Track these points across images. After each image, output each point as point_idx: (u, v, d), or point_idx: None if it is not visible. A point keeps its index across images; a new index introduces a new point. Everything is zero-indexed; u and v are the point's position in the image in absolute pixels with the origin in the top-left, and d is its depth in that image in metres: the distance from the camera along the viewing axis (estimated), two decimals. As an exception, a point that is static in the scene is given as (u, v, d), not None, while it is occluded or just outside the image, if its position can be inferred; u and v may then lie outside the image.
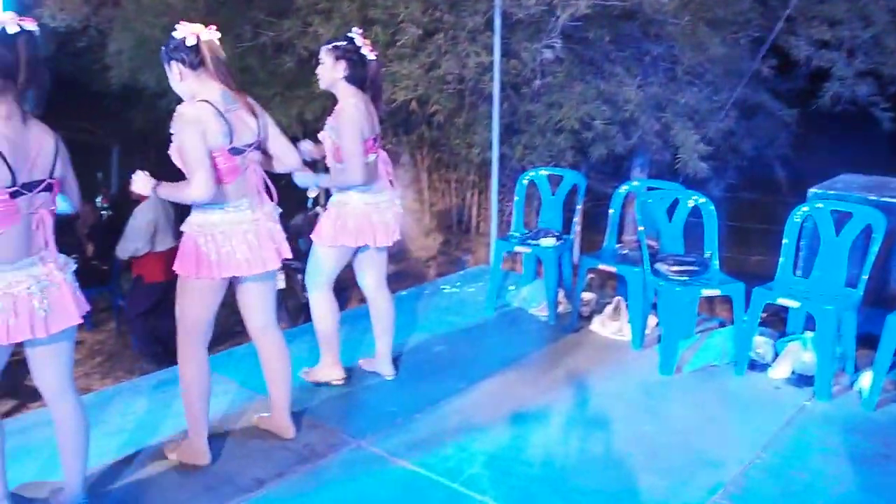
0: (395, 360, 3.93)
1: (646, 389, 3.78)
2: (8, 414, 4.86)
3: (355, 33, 3.41)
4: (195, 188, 2.71)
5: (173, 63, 2.77)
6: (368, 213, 3.49)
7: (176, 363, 3.06)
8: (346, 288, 6.65)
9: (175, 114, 2.72)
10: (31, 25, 2.30)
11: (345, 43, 3.38)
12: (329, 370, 3.69)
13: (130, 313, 6.31)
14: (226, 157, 2.78)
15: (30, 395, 4.68)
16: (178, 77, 2.79)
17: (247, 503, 2.83)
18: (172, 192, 2.83)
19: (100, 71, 8.21)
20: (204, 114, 2.72)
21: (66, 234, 6.20)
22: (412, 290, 5.36)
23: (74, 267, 2.56)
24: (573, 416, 3.52)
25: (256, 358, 3.62)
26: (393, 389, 3.74)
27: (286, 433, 3.24)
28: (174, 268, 2.92)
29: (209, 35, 2.77)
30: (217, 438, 3.20)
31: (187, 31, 2.74)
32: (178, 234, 6.70)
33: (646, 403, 3.64)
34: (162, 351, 6.15)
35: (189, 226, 2.88)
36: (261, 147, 2.95)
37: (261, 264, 2.91)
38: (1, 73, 2.26)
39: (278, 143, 3.03)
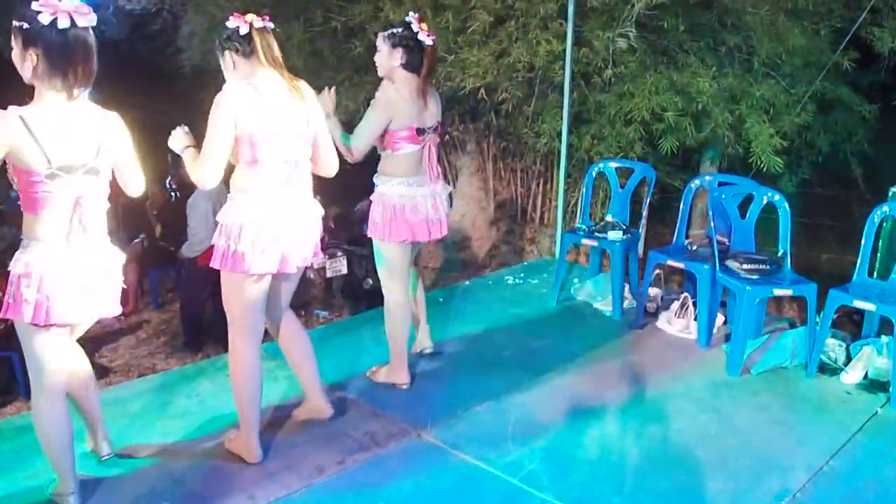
0: (454, 349, 3.94)
1: (712, 389, 3.69)
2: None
3: (412, 18, 3.36)
4: (202, 173, 2.68)
5: (227, 53, 2.78)
6: (403, 208, 3.41)
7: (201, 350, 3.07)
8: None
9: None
10: (82, 19, 2.34)
11: (401, 29, 3.34)
12: (396, 373, 3.64)
13: (184, 298, 6.46)
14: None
15: (98, 372, 4.83)
16: (232, 66, 2.79)
17: (308, 490, 2.85)
18: (190, 163, 2.78)
19: (172, 53, 8.39)
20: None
21: (136, 215, 6.38)
22: (475, 279, 5.35)
23: (124, 257, 2.62)
24: (637, 414, 3.46)
25: (318, 344, 3.67)
26: (455, 380, 3.73)
27: (324, 413, 3.24)
28: (211, 263, 2.86)
29: (261, 24, 2.76)
30: (279, 424, 3.25)
31: (240, 21, 2.74)
32: None
33: (712, 404, 3.56)
34: (207, 339, 6.31)
35: (222, 215, 2.82)
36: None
37: (287, 263, 2.85)
38: (50, 61, 2.31)
39: (322, 141, 2.98)
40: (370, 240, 3.56)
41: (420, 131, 3.39)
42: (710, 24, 5.53)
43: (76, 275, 2.44)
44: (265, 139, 2.72)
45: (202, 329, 6.32)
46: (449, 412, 3.41)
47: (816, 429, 3.37)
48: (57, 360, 2.57)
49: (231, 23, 2.76)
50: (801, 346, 3.91)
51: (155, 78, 9.47)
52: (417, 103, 3.36)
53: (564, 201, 5.44)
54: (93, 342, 2.73)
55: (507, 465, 3.02)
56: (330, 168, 3.03)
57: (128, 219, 6.93)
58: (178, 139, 2.86)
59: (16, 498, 2.77)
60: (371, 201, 3.51)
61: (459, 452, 3.11)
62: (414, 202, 3.42)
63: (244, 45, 2.74)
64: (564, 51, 5.30)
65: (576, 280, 5.08)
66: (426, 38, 3.34)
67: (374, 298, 5.40)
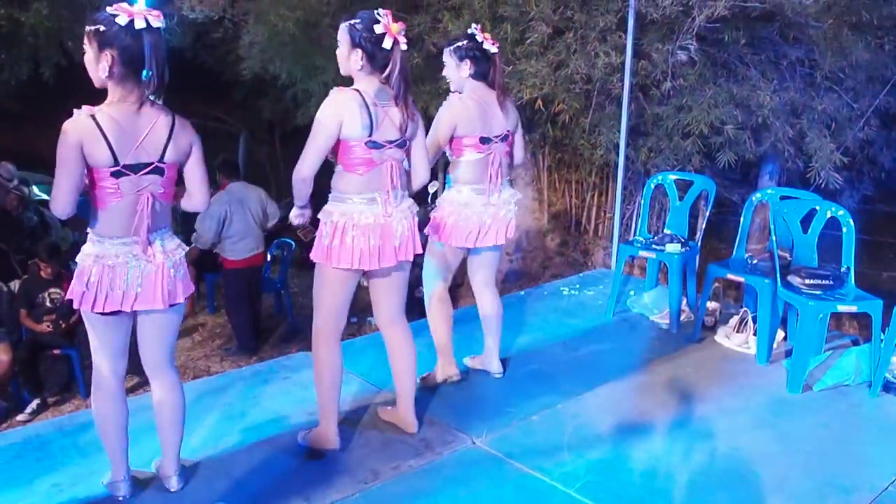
0: (509, 359, 3.91)
1: (772, 407, 3.62)
2: (132, 390, 5.16)
3: (475, 29, 3.40)
4: (299, 167, 2.81)
5: (358, 49, 2.80)
6: (474, 214, 3.45)
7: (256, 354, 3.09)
8: (459, 285, 6.70)
9: (327, 96, 2.81)
10: (156, 21, 2.41)
11: (465, 42, 3.38)
12: (446, 369, 3.69)
13: (226, 301, 6.60)
14: (362, 148, 2.83)
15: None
16: (358, 66, 2.82)
17: (363, 494, 2.86)
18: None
19: (233, 62, 8.57)
20: (348, 102, 2.78)
21: (192, 219, 6.54)
22: (531, 290, 5.34)
23: (183, 253, 2.66)
24: (695, 429, 3.41)
25: (376, 350, 3.70)
26: (510, 390, 3.72)
27: (409, 427, 3.26)
28: (311, 255, 2.98)
29: (404, 46, 2.81)
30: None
31: (388, 32, 2.76)
32: (268, 236, 6.86)
33: (772, 421, 3.49)
34: (255, 339, 6.41)
35: (322, 213, 2.94)
36: (404, 145, 2.96)
37: (382, 259, 2.92)
38: (125, 63, 2.39)
39: (416, 153, 3.05)
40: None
41: (484, 140, 3.40)
42: (771, 38, 5.47)
43: (129, 268, 2.50)
44: (361, 146, 2.85)
45: (251, 331, 6.46)
46: (504, 421, 3.40)
47: (880, 449, 3.29)
48: (117, 349, 2.64)
49: (378, 27, 2.75)
50: (864, 364, 3.81)
51: (214, 86, 9.68)
52: (485, 112, 3.39)
53: (621, 213, 5.40)
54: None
55: (563, 475, 3.00)
56: (420, 177, 3.12)
57: (185, 223, 7.10)
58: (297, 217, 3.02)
59: (76, 492, 2.84)
60: (427, 210, 3.54)
61: (515, 461, 3.10)
62: (477, 209, 3.45)
63: (379, 54, 2.79)
64: (623, 63, 5.28)
65: (632, 292, 5.04)
66: (491, 47, 3.38)
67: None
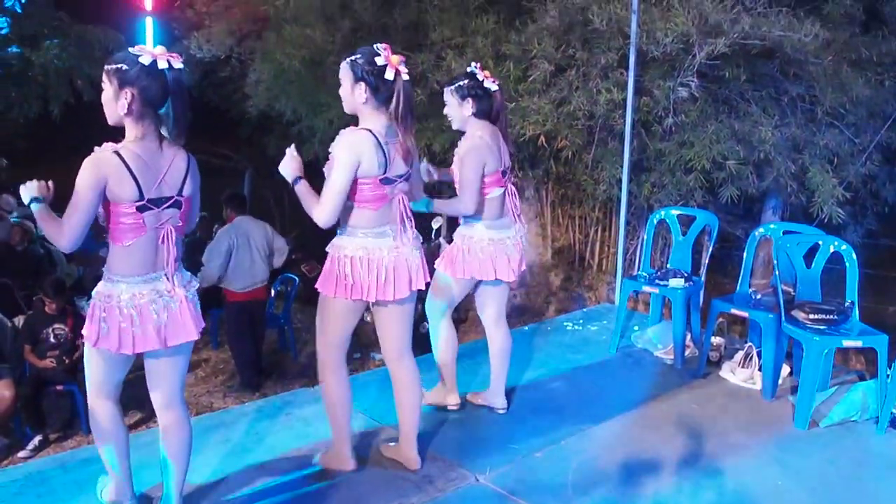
0: (512, 394, 3.89)
1: (778, 442, 3.59)
2: (134, 427, 5.14)
3: (474, 67, 3.44)
4: (320, 212, 2.81)
5: (361, 83, 2.83)
6: (493, 248, 3.51)
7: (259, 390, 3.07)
8: (463, 320, 6.69)
9: (339, 136, 2.82)
10: (177, 63, 2.47)
11: (466, 81, 3.43)
12: (446, 395, 3.73)
13: (228, 336, 6.59)
14: (376, 185, 2.86)
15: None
16: (363, 99, 2.85)
17: (366, 529, 2.85)
18: (306, 197, 2.87)
19: (239, 99, 8.68)
20: (364, 142, 2.81)
21: (197, 252, 6.57)
22: (534, 325, 5.33)
23: (196, 286, 2.70)
24: (701, 466, 3.37)
25: (379, 386, 3.69)
26: (513, 425, 3.70)
27: (411, 464, 3.24)
28: (317, 286, 3.00)
29: (406, 77, 2.84)
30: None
31: (389, 63, 2.79)
32: (272, 272, 6.83)
33: (778, 457, 3.45)
34: (258, 374, 6.38)
35: (332, 247, 2.97)
36: (409, 178, 3.01)
37: (393, 291, 2.95)
38: (145, 101, 2.44)
39: (415, 177, 3.12)
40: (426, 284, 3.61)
41: (504, 174, 3.49)
42: (771, 74, 5.53)
43: (155, 304, 2.53)
44: (376, 183, 2.89)
45: (253, 366, 6.45)
46: (507, 457, 3.37)
47: (888, 485, 3.26)
48: (117, 382, 2.69)
49: (380, 59, 2.78)
50: (871, 400, 3.79)
51: (221, 123, 9.78)
52: (495, 147, 3.44)
53: (624, 248, 5.41)
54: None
55: (567, 513, 2.97)
56: (418, 195, 3.22)
57: (189, 255, 7.12)
58: (291, 165, 2.92)
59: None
60: (431, 246, 3.56)
61: (519, 498, 3.06)
62: (504, 243, 3.52)
63: (382, 87, 2.81)
64: (625, 100, 5.33)
65: (636, 327, 5.03)
66: (492, 85, 3.42)
67: (429, 342, 5.43)
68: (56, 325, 5.66)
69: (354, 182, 2.84)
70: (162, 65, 2.43)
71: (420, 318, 6.37)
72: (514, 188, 3.61)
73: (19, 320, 5.98)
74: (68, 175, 2.55)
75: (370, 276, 2.90)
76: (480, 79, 3.41)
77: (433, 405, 3.73)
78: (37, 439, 5.44)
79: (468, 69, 3.45)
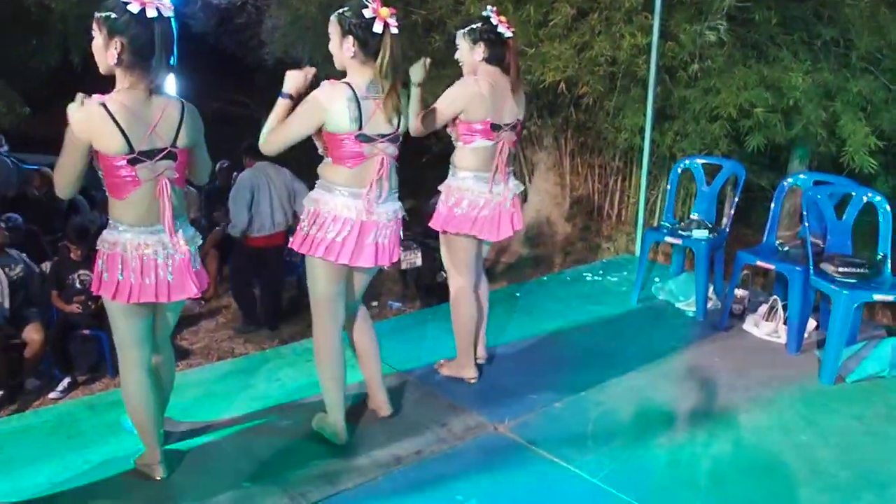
0: (531, 345, 3.86)
1: (803, 397, 3.54)
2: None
3: (490, 11, 3.29)
4: (265, 140, 2.76)
5: (350, 36, 2.73)
6: (476, 204, 3.34)
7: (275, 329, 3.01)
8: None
9: (316, 89, 2.71)
10: (167, 10, 2.39)
11: (480, 24, 3.28)
12: (464, 368, 3.60)
13: (233, 278, 6.60)
14: (352, 141, 2.74)
15: (178, 354, 4.94)
16: (350, 53, 2.74)
17: (386, 478, 2.84)
18: (277, 114, 2.77)
19: (255, 46, 8.57)
20: (337, 96, 2.68)
21: (217, 202, 6.56)
22: (552, 275, 5.28)
23: (200, 242, 2.67)
24: (722, 419, 3.34)
25: (397, 334, 3.68)
26: (533, 376, 3.67)
27: (382, 410, 3.22)
28: (291, 244, 2.92)
29: (395, 30, 2.71)
30: (357, 412, 3.25)
31: (378, 16, 2.68)
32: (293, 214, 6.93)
33: (803, 412, 3.41)
34: (264, 320, 6.42)
35: (308, 200, 2.87)
36: (398, 140, 2.88)
37: (359, 257, 2.84)
38: (134, 51, 2.37)
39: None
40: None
41: (495, 127, 3.29)
42: (804, 17, 5.34)
43: (159, 257, 2.52)
44: (351, 139, 2.77)
45: (256, 308, 6.50)
46: (527, 408, 3.35)
47: (917, 442, 3.20)
48: (141, 336, 2.65)
49: (368, 12, 2.68)
50: (899, 355, 3.72)
51: (237, 71, 9.70)
52: (497, 98, 3.28)
53: (645, 198, 5.32)
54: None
55: (586, 463, 2.95)
56: None
57: (209, 204, 7.10)
58: (296, 78, 2.79)
59: (106, 468, 2.86)
60: (435, 202, 3.48)
61: (538, 448, 3.05)
62: (481, 197, 3.34)
63: (371, 41, 2.71)
64: (649, 44, 5.19)
65: (657, 279, 4.96)
66: (506, 31, 3.27)
67: (447, 291, 5.41)
68: (81, 271, 5.71)
69: (332, 138, 2.75)
70: (151, 13, 2.35)
71: (439, 267, 6.38)
72: (510, 147, 3.39)
73: (46, 266, 6.04)
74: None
75: (335, 235, 2.79)
76: (495, 23, 3.25)
77: (451, 377, 3.62)
78: (66, 381, 5.55)
79: (483, 13, 3.31)
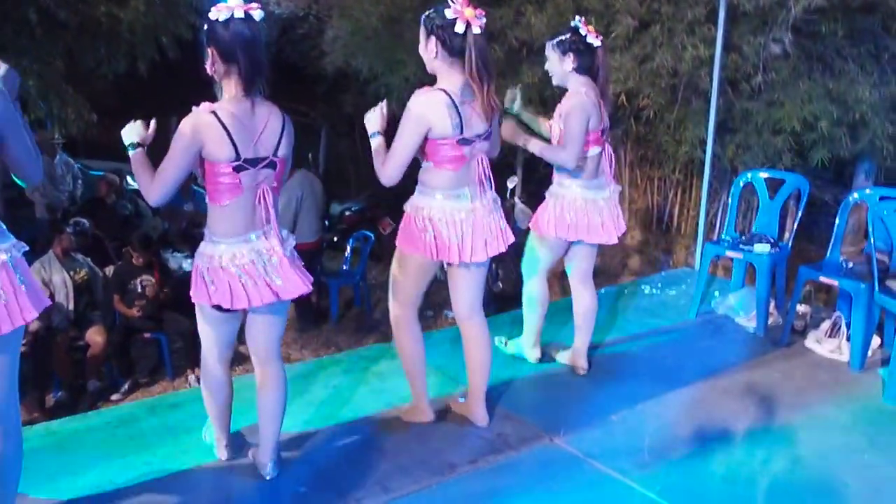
0: (589, 356, 3.84)
1: (867, 416, 3.46)
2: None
3: (578, 21, 3.34)
4: (385, 171, 2.81)
5: (433, 37, 2.76)
6: (586, 208, 3.47)
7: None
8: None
9: (413, 95, 2.77)
10: (256, 13, 2.42)
11: (568, 35, 3.33)
12: (528, 349, 3.78)
13: None
14: (453, 146, 2.81)
15: (236, 359, 5.04)
16: (433, 54, 2.79)
17: (440, 486, 2.86)
18: (378, 153, 2.86)
19: (316, 56, 8.70)
20: (436, 104, 2.74)
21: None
22: (611, 287, 5.25)
23: (294, 243, 2.70)
24: (782, 436, 3.28)
25: (452, 344, 3.68)
26: (589, 387, 3.66)
27: (479, 421, 3.25)
28: (397, 242, 3.00)
29: (478, 29, 2.72)
30: (405, 422, 3.27)
31: (460, 16, 2.69)
32: (346, 229, 7.09)
33: (866, 431, 3.32)
34: (314, 320, 6.63)
35: (409, 205, 2.96)
36: (489, 137, 2.94)
37: (470, 253, 2.92)
38: (224, 58, 2.42)
39: (494, 133, 3.02)
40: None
41: (603, 132, 3.44)
42: (872, 29, 5.23)
43: (257, 265, 2.55)
44: (453, 144, 2.83)
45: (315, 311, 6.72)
46: (583, 420, 3.34)
47: None
48: (227, 340, 2.74)
49: (449, 13, 2.70)
50: (968, 376, 3.60)
51: (298, 80, 9.85)
52: (598, 105, 3.38)
53: (706, 211, 5.25)
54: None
55: (642, 477, 2.92)
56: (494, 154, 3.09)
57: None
58: (375, 119, 2.91)
59: (165, 470, 2.92)
60: (504, 206, 3.51)
61: (593, 461, 3.04)
62: (597, 204, 3.50)
63: (455, 41, 2.73)
64: (712, 56, 5.13)
65: (716, 293, 4.89)
66: (595, 40, 3.32)
67: (504, 301, 5.42)
68: (143, 276, 5.87)
69: (432, 143, 2.80)
70: (237, 15, 2.38)
71: (494, 278, 6.38)
72: (610, 149, 3.55)
73: (109, 270, 6.23)
74: (155, 132, 2.61)
75: (448, 236, 2.88)
76: (583, 33, 3.31)
77: (514, 355, 3.79)
78: (127, 384, 5.71)
79: (572, 23, 3.35)
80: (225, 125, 2.41)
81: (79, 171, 8.41)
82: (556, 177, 3.55)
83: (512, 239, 3.06)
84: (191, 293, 2.59)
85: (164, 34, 7.08)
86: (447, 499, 2.80)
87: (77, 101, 7.15)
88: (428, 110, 2.74)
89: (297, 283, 2.60)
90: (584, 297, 3.70)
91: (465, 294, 3.14)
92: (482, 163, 2.91)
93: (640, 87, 5.42)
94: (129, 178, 9.43)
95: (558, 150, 3.36)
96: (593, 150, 3.43)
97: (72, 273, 5.68)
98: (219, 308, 2.54)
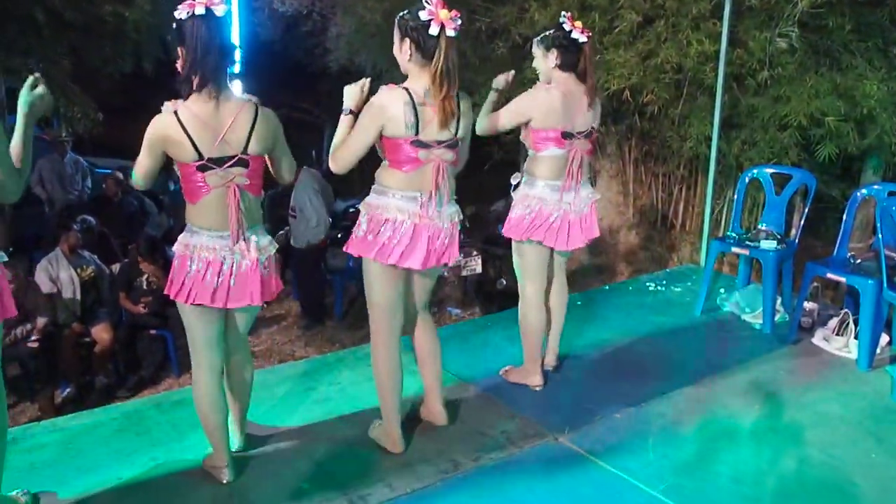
0: (592, 355, 3.83)
1: (874, 414, 3.43)
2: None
3: (564, 17, 3.24)
4: (335, 159, 2.77)
5: (407, 39, 2.71)
6: (551, 211, 3.31)
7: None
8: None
9: (377, 92, 2.72)
10: (219, 9, 2.41)
11: (552, 31, 3.26)
12: (529, 375, 3.58)
13: (300, 280, 6.82)
14: (407, 146, 2.73)
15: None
16: (407, 56, 2.73)
17: (444, 483, 2.85)
18: (340, 132, 2.80)
19: (320, 54, 8.70)
20: (393, 101, 2.68)
21: (279, 206, 6.71)
22: (615, 285, 5.22)
23: (273, 250, 2.69)
24: (788, 435, 3.26)
25: (455, 341, 3.68)
26: (593, 385, 3.65)
27: (438, 419, 3.21)
28: (346, 248, 2.91)
29: (452, 32, 2.67)
30: (416, 418, 3.26)
31: (434, 18, 2.64)
32: (350, 226, 7.28)
33: (873, 430, 3.29)
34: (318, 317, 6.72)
35: (364, 205, 2.87)
36: (455, 146, 2.84)
37: (411, 259, 2.81)
38: (190, 54, 2.42)
39: (462, 146, 2.93)
40: (505, 240, 3.52)
41: (566, 135, 3.26)
42: (880, 23, 5.17)
43: (225, 261, 2.56)
44: (407, 144, 2.77)
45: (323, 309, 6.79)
46: (586, 417, 3.32)
47: None
48: (211, 339, 2.69)
49: (424, 14, 2.65)
50: (977, 374, 3.58)
51: (302, 78, 9.86)
52: (570, 106, 3.25)
53: (711, 208, 5.22)
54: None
55: (647, 475, 2.91)
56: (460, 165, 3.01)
57: (272, 210, 7.25)
58: (353, 93, 2.82)
59: (172, 466, 2.94)
60: (509, 202, 3.46)
61: (597, 459, 3.02)
62: (552, 206, 3.32)
63: (428, 43, 2.68)
64: (717, 51, 5.10)
65: (722, 290, 4.87)
66: (580, 36, 3.22)
67: (507, 298, 5.40)
68: (149, 274, 5.88)
69: (389, 141, 2.74)
70: (198, 12, 2.38)
71: (497, 275, 6.37)
72: (585, 155, 3.35)
73: (116, 267, 6.24)
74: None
75: (390, 239, 2.78)
76: (568, 29, 3.21)
77: (515, 383, 3.62)
78: (133, 380, 5.73)
79: (559, 19, 3.26)
80: (184, 126, 2.41)
81: (87, 169, 8.44)
82: (526, 175, 3.40)
83: (452, 258, 2.94)
84: (167, 291, 2.61)
85: (169, 33, 7.10)
86: (450, 496, 2.79)
87: (83, 99, 7.18)
88: (385, 106, 2.67)
89: (252, 295, 2.60)
90: (553, 292, 3.60)
91: (416, 296, 3.08)
92: (440, 170, 2.79)
93: (643, 83, 5.38)
94: (134, 176, 9.45)
95: (485, 115, 3.27)
96: (550, 151, 3.27)
97: (79, 270, 5.70)
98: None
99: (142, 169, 2.53)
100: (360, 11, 6.78)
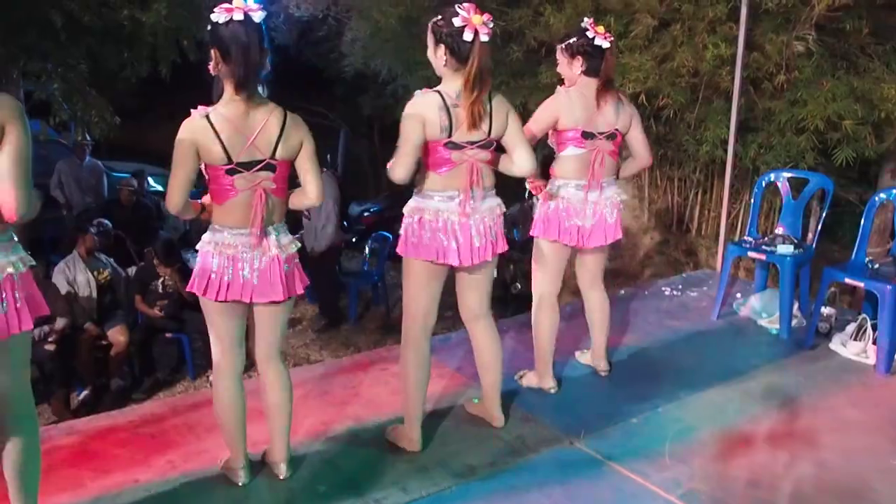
0: (612, 359, 3.82)
1: (893, 419, 3.40)
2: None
3: (586, 23, 3.29)
4: (392, 170, 2.79)
5: (441, 45, 2.76)
6: (575, 211, 3.37)
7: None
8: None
9: (409, 101, 2.78)
10: (256, 15, 2.43)
11: (576, 38, 3.29)
12: (543, 378, 3.60)
13: (318, 284, 6.86)
14: (442, 148, 2.79)
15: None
16: (443, 62, 2.78)
17: (459, 487, 2.84)
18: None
19: (335, 58, 8.73)
20: (428, 104, 2.74)
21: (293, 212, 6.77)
22: (630, 289, 5.20)
23: (294, 249, 2.69)
24: (806, 440, 3.23)
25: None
26: (609, 390, 3.64)
27: (495, 422, 3.23)
28: (397, 249, 2.97)
29: (486, 37, 2.71)
30: (432, 421, 3.26)
31: (468, 24, 2.67)
32: (365, 230, 7.27)
33: (893, 435, 3.26)
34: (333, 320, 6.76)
35: (407, 208, 2.93)
36: (490, 146, 2.88)
37: (461, 257, 2.85)
38: (224, 59, 2.44)
39: (512, 140, 2.94)
40: (519, 245, 3.53)
41: (587, 135, 3.32)
42: (898, 26, 5.14)
43: (251, 257, 2.57)
44: (440, 146, 2.81)
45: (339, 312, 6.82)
46: (603, 422, 3.31)
47: None
48: (231, 339, 2.70)
49: (458, 21, 2.68)
50: None
51: (317, 82, 9.90)
52: (590, 107, 3.31)
53: (727, 212, 5.20)
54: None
55: (664, 480, 2.89)
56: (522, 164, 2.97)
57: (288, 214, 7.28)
58: None
59: (187, 468, 2.93)
60: (524, 206, 3.47)
61: (614, 463, 3.01)
62: (574, 205, 3.37)
63: (462, 49, 2.71)
64: (733, 55, 5.08)
65: (738, 294, 4.84)
66: (603, 42, 3.27)
67: (521, 303, 5.40)
68: (165, 277, 5.92)
69: (426, 143, 2.78)
70: (237, 18, 2.40)
71: (512, 279, 6.36)
72: (609, 156, 3.38)
73: (132, 271, 6.29)
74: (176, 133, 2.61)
75: (439, 238, 2.84)
76: (591, 36, 3.26)
77: (529, 386, 3.62)
78: (148, 383, 5.76)
79: (581, 25, 3.30)
80: (216, 129, 2.43)
81: (105, 173, 8.51)
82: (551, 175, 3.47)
83: (503, 248, 2.99)
84: (190, 288, 2.61)
85: (185, 37, 7.14)
86: (466, 501, 2.78)
87: (100, 103, 7.24)
88: (420, 110, 2.74)
89: (275, 290, 2.60)
90: (593, 301, 3.66)
91: (468, 297, 3.11)
92: (475, 170, 2.84)
93: (659, 87, 5.37)
94: (150, 179, 9.51)
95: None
96: (570, 151, 3.34)
97: (95, 273, 5.74)
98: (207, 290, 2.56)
99: (176, 185, 2.46)
100: (375, 16, 6.79)
